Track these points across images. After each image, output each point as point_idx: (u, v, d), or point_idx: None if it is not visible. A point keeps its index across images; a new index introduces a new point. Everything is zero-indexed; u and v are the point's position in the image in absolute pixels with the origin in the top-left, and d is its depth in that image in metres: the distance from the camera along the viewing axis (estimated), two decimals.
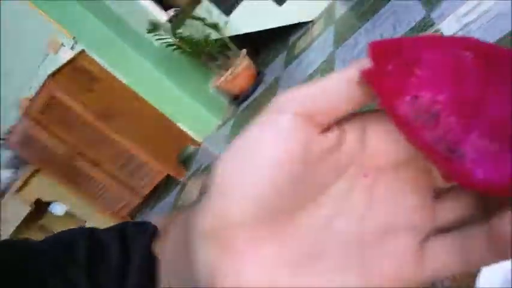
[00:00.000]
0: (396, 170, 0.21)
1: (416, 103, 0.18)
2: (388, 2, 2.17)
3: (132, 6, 3.18)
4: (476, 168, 0.17)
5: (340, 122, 0.20)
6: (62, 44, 2.63)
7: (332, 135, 0.20)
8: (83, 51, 2.61)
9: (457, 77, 0.18)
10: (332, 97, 0.20)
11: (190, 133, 2.85)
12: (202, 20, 3.14)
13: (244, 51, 3.18)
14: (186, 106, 2.95)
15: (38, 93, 2.30)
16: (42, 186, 2.21)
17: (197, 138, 2.88)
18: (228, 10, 3.34)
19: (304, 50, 2.85)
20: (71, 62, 2.50)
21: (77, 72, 2.45)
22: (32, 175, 2.19)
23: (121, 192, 2.34)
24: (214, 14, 3.23)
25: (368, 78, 0.18)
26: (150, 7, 3.34)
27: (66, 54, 2.60)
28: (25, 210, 2.19)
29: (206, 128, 2.92)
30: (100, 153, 2.30)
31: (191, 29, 3.14)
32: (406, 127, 0.18)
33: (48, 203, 2.30)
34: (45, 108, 2.25)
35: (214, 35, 3.15)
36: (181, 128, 2.82)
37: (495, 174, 0.17)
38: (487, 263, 0.19)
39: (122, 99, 2.61)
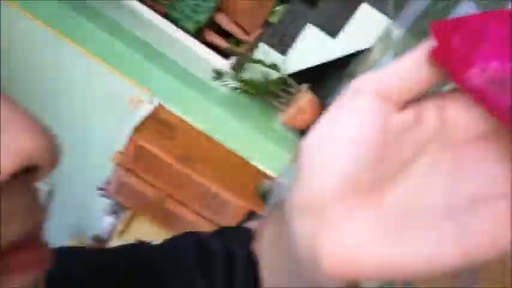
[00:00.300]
0: (479, 142, 0.21)
1: (485, 74, 0.18)
2: (444, 17, 2.22)
3: (196, 59, 3.43)
4: None
5: (418, 101, 0.22)
6: (142, 100, 2.89)
7: (409, 113, 0.21)
8: (160, 104, 2.84)
9: None
10: (405, 77, 0.21)
11: (265, 169, 2.97)
12: (261, 62, 3.32)
13: (305, 85, 3.30)
14: (257, 144, 3.08)
15: (126, 146, 2.52)
16: (140, 228, 2.40)
17: (271, 173, 2.98)
18: (284, 50, 3.50)
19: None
20: (151, 115, 2.73)
21: (158, 123, 2.67)
22: (131, 219, 2.38)
23: (209, 229, 2.46)
24: (272, 55, 3.40)
25: (436, 57, 0.20)
26: (212, 57, 3.58)
27: (146, 109, 2.84)
28: None
29: (278, 163, 3.03)
30: (186, 194, 2.47)
31: (252, 72, 3.32)
32: (479, 98, 0.18)
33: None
34: (135, 158, 2.46)
35: (274, 74, 3.31)
36: (256, 165, 2.94)
37: None
38: None
39: (199, 143, 2.79)
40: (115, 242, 2.35)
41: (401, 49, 2.61)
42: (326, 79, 3.67)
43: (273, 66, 3.38)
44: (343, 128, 0.21)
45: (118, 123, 2.97)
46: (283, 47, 3.56)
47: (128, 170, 2.41)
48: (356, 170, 0.21)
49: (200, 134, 2.76)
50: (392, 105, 0.21)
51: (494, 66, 0.18)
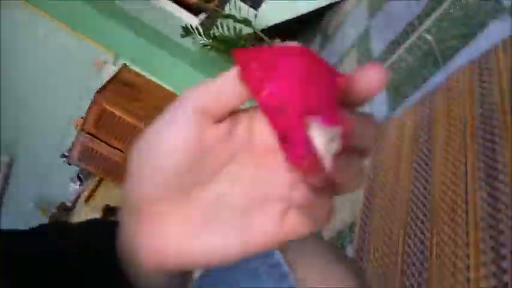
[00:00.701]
0: (277, 152, 0.24)
1: (271, 97, 0.22)
2: None
3: (164, 16, 3.28)
4: (298, 155, 0.22)
5: (236, 113, 0.25)
6: (105, 62, 2.76)
7: (224, 125, 0.24)
8: (124, 65, 2.72)
9: (302, 81, 0.22)
10: (222, 92, 0.23)
11: None
12: (232, 17, 3.18)
13: (277, 40, 3.19)
14: None
15: (89, 110, 2.42)
16: (108, 194, 2.33)
17: None
18: (256, 4, 3.37)
19: (339, 28, 2.82)
20: (115, 76, 2.61)
21: (122, 85, 2.55)
22: (98, 184, 2.32)
23: None
24: (244, 10, 3.27)
25: (241, 78, 0.23)
26: (181, 14, 3.43)
27: (110, 70, 2.72)
28: (96, 217, 2.33)
29: None
30: None
31: (223, 28, 3.19)
32: (266, 117, 0.22)
33: (117, 208, 2.44)
34: (98, 122, 2.37)
35: (246, 30, 3.19)
36: None
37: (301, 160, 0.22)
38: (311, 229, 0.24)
39: (167, 104, 2.69)
40: (81, 209, 2.30)
41: (375, 0, 2.50)
42: (299, 33, 3.57)
43: (245, 21, 3.25)
44: (163, 137, 0.24)
45: (80, 87, 2.86)
46: (255, 1, 3.42)
47: (92, 134, 2.33)
48: (171, 175, 0.24)
49: (167, 94, 2.66)
50: (210, 118, 0.24)
51: (278, 92, 0.22)
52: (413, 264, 0.87)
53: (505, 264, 0.66)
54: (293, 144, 0.22)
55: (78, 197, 2.44)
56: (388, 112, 1.45)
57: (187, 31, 3.02)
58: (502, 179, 0.76)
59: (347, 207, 1.30)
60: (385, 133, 1.34)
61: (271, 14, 3.28)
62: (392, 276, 0.92)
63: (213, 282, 0.34)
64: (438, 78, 1.26)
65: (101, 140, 2.34)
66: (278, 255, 0.34)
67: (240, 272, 0.34)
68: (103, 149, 2.35)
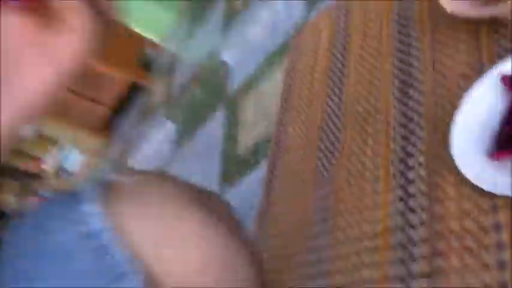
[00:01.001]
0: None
1: None
2: None
3: None
4: None
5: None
6: None
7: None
8: None
9: None
10: None
11: (148, 36, 2.66)
12: None
13: None
14: (139, 8, 2.72)
15: None
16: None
17: (155, 40, 2.70)
18: None
19: None
20: None
21: None
22: None
23: (88, 106, 2.24)
24: None
25: None
26: None
27: None
28: None
29: (163, 28, 2.73)
30: None
31: None
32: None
33: None
34: None
35: None
36: (137, 31, 2.63)
37: None
38: None
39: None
40: None
41: None
42: None
43: None
44: None
45: None
46: None
47: None
48: None
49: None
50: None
51: None
52: (322, 175, 0.84)
53: (411, 175, 0.64)
54: None
55: None
56: (305, 15, 1.36)
57: None
58: (416, 85, 0.72)
59: (262, 122, 1.25)
60: (301, 38, 1.26)
61: None
62: (303, 192, 0.89)
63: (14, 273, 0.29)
64: None
65: None
66: (96, 224, 0.27)
67: (49, 257, 0.28)
68: None
